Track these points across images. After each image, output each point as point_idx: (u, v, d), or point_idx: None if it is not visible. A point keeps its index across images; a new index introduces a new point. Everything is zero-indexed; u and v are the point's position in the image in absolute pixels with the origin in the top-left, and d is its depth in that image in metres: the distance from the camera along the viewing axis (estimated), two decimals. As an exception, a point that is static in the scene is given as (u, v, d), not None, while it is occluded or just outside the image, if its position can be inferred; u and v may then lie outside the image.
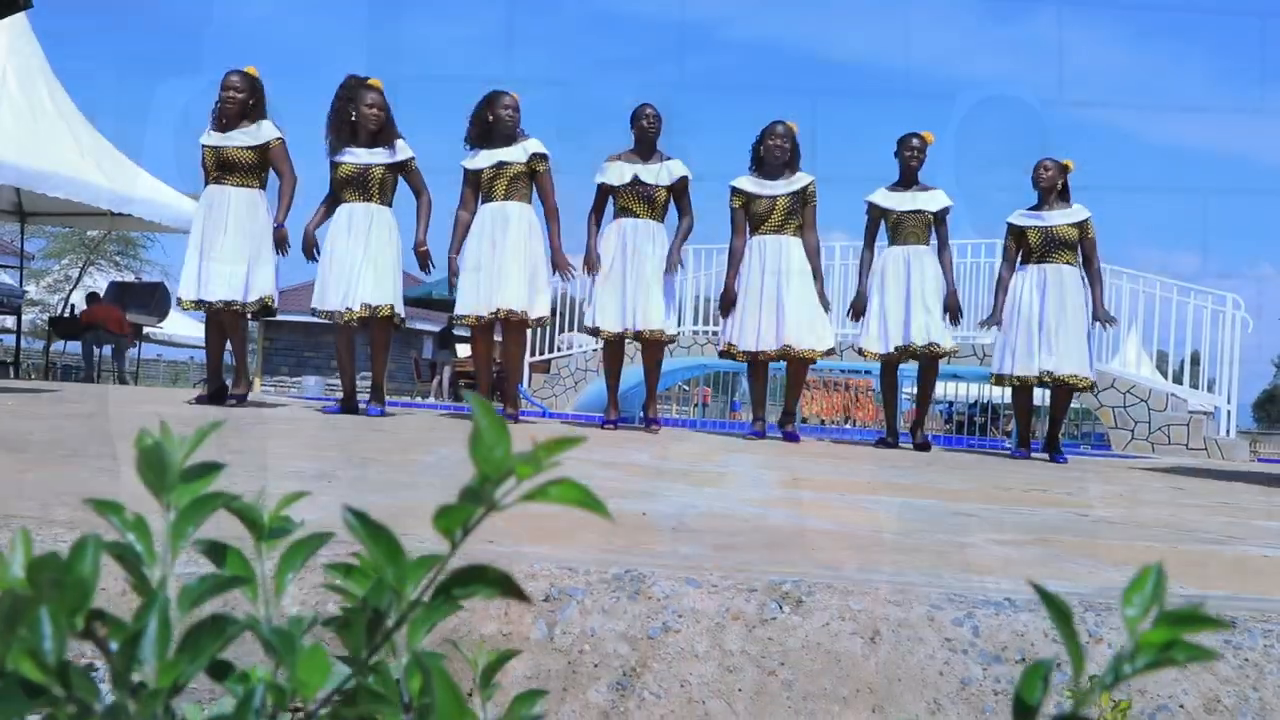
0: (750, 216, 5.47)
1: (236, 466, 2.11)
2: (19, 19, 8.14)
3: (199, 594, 0.35)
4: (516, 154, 5.19)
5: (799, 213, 5.44)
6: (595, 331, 5.44)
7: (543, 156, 5.22)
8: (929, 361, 5.60)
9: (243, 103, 5.15)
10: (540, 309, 5.22)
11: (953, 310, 5.53)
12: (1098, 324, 5.42)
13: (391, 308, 5.12)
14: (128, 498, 1.47)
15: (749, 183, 5.48)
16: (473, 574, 0.34)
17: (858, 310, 5.64)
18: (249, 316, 5.23)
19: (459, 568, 0.35)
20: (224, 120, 5.18)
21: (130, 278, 20.69)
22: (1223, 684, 1.07)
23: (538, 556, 1.24)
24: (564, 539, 1.42)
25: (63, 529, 1.27)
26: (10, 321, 13.26)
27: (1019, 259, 5.57)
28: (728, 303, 5.48)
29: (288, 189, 5.17)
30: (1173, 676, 1.07)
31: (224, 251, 5.05)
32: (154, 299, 12.49)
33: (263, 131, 5.15)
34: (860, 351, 5.65)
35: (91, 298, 12.83)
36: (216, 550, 0.39)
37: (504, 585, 0.35)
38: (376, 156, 5.17)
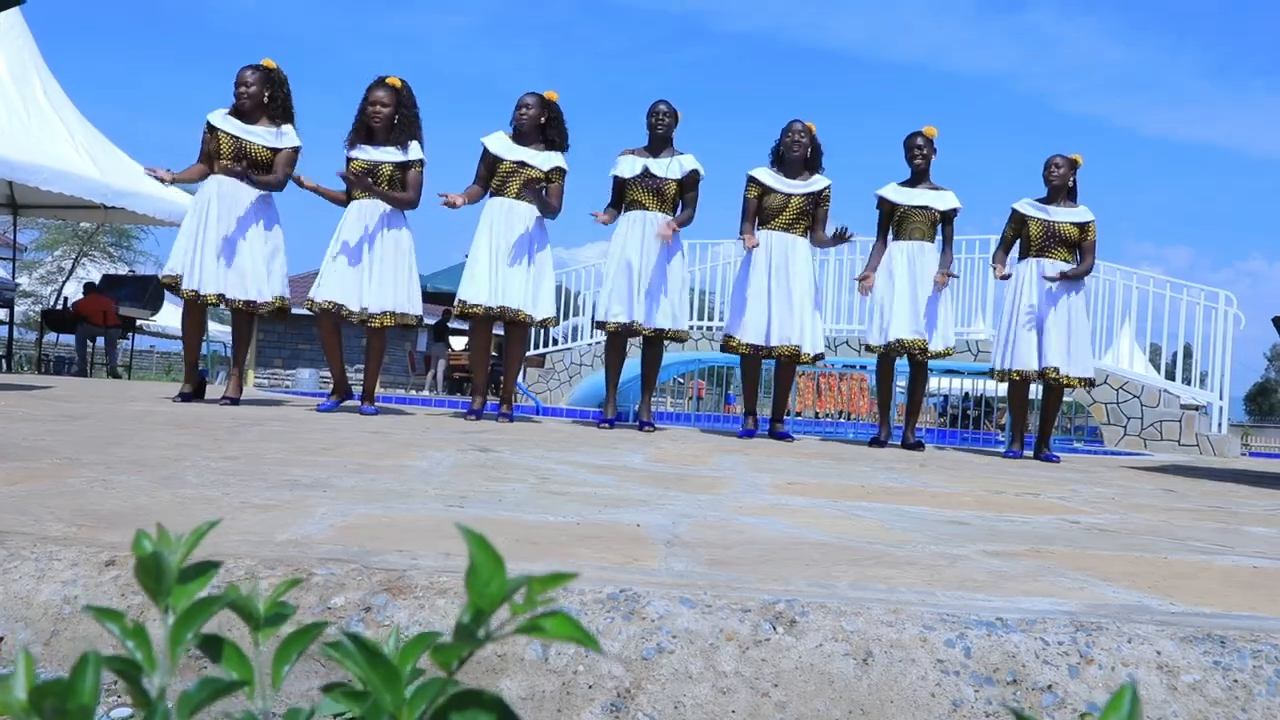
0: (761, 209, 5.49)
1: (233, 476, 2.11)
2: (12, 12, 8.10)
3: (198, 701, 0.36)
4: (541, 161, 5.25)
5: (811, 213, 5.47)
6: (603, 326, 5.46)
7: (562, 171, 5.29)
8: (920, 363, 5.64)
9: (255, 96, 5.17)
10: (545, 310, 5.25)
11: (947, 278, 5.52)
12: (1050, 282, 5.37)
13: (390, 315, 5.13)
14: (121, 511, 1.46)
15: (767, 175, 5.50)
16: (469, 698, 0.35)
17: (864, 285, 5.64)
18: (261, 316, 5.27)
19: (456, 691, 0.35)
20: (242, 113, 5.19)
21: (124, 270, 20.66)
22: (1211, 705, 1.08)
23: (534, 573, 1.24)
24: (559, 556, 1.42)
25: (57, 546, 1.27)
26: (2, 314, 13.22)
27: (1018, 251, 5.60)
28: (749, 239, 5.41)
29: (274, 179, 5.13)
30: (1161, 698, 1.07)
31: (241, 250, 5.06)
32: (147, 292, 12.48)
33: (285, 138, 5.19)
34: (869, 347, 5.66)
35: (88, 288, 12.90)
36: (214, 645, 0.39)
37: (499, 710, 0.35)
38: (387, 155, 5.18)
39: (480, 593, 0.34)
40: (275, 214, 5.23)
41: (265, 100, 5.19)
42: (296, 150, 5.21)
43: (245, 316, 5.23)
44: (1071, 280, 5.40)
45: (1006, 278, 5.50)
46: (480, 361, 5.51)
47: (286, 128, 5.21)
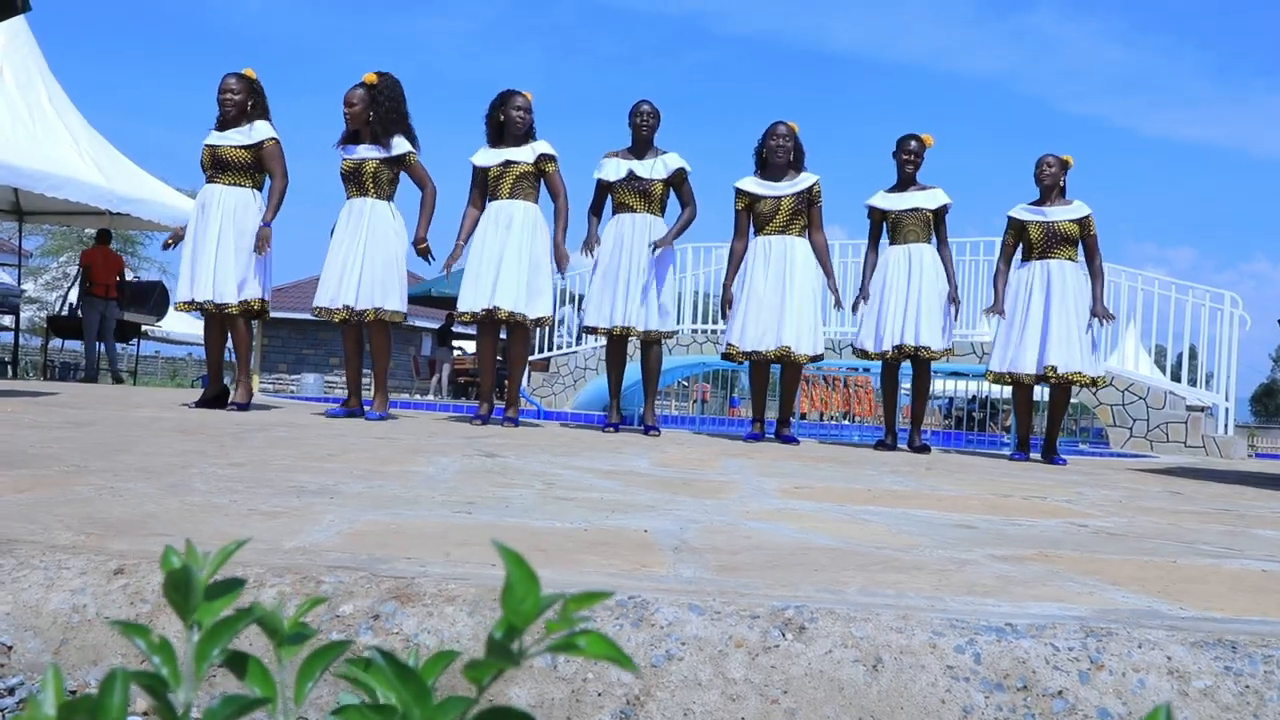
0: (754, 217, 5.48)
1: (240, 483, 2.12)
2: (17, 20, 8.12)
3: (223, 718, 0.35)
4: (525, 154, 5.23)
5: (804, 213, 5.45)
6: (592, 330, 5.45)
7: (550, 157, 5.26)
8: (923, 364, 5.62)
9: (240, 104, 5.20)
10: (540, 309, 5.22)
11: (955, 305, 5.54)
12: (1095, 320, 5.41)
13: (376, 311, 5.11)
14: (129, 519, 1.46)
15: (753, 184, 5.48)
16: (499, 714, 0.35)
17: (861, 300, 5.66)
18: (241, 317, 5.25)
19: (486, 708, 0.35)
20: (224, 122, 5.24)
21: (129, 276, 20.65)
22: (1223, 711, 1.07)
23: (542, 581, 1.24)
24: (568, 563, 1.42)
25: (65, 554, 1.27)
26: (8, 320, 13.21)
27: (1020, 255, 5.58)
28: (726, 304, 5.50)
29: (277, 189, 5.21)
30: (1174, 704, 1.07)
31: (214, 252, 5.08)
32: (153, 297, 12.48)
33: (256, 131, 5.20)
34: (861, 352, 5.65)
35: (101, 235, 11.61)
36: (239, 662, 0.39)
37: (528, 726, 0.35)
38: (371, 153, 5.20)
39: (515, 610, 0.34)
40: (252, 217, 5.19)
41: (249, 108, 5.23)
42: (276, 141, 5.20)
43: (232, 320, 5.21)
44: (1081, 283, 5.38)
45: (1000, 314, 5.49)
46: (487, 365, 5.50)
47: (258, 123, 5.21)
